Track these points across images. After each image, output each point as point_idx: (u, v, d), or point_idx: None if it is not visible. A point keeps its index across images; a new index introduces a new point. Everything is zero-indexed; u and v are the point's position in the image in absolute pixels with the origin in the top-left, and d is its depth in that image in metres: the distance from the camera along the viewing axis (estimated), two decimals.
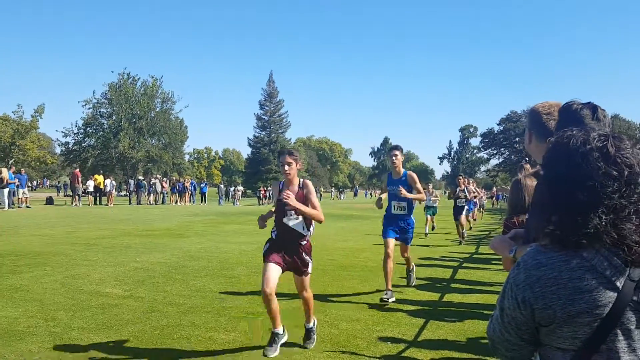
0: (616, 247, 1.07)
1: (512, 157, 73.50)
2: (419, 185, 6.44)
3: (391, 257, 6.21)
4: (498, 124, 77.00)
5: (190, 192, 34.41)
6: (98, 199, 29.30)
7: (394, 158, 6.33)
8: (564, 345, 1.12)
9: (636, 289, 1.07)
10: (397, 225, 6.38)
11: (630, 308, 1.07)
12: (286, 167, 4.37)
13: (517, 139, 72.41)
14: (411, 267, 7.17)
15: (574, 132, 1.16)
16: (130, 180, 36.06)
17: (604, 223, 1.06)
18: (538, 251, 1.16)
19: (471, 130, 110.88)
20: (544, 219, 1.15)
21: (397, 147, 6.44)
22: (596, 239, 1.07)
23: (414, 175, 6.41)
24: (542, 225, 1.15)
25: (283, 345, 4.41)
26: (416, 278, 7.37)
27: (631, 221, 1.07)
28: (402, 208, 6.35)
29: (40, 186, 69.80)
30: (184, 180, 36.09)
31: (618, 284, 1.06)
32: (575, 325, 1.08)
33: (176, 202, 33.28)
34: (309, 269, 4.47)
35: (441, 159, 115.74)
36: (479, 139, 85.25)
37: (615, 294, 1.06)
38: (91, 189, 29.11)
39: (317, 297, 6.41)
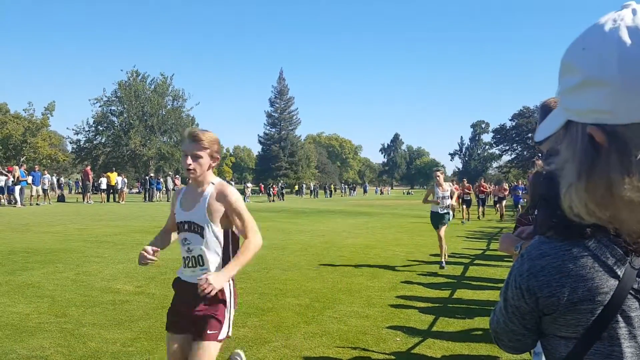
0: (618, 237, 1.08)
1: (525, 153, 72.94)
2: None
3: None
4: (510, 120, 76.50)
5: None
6: (111, 196, 29.57)
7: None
8: (566, 334, 1.15)
9: (637, 277, 1.09)
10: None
11: (631, 295, 1.09)
12: None
13: (529, 134, 71.87)
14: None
15: None
16: (146, 177, 36.31)
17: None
18: (541, 242, 1.19)
19: (483, 126, 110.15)
20: (549, 212, 1.16)
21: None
22: (599, 230, 1.09)
23: None
24: (549, 218, 1.16)
25: (291, 340, 4.40)
26: (427, 274, 7.87)
27: None
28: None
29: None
30: None
31: (619, 272, 1.09)
32: (577, 313, 1.11)
33: None
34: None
35: (452, 155, 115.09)
36: (491, 134, 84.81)
37: (617, 282, 1.08)
38: (104, 186, 29.39)
39: (326, 293, 6.44)
